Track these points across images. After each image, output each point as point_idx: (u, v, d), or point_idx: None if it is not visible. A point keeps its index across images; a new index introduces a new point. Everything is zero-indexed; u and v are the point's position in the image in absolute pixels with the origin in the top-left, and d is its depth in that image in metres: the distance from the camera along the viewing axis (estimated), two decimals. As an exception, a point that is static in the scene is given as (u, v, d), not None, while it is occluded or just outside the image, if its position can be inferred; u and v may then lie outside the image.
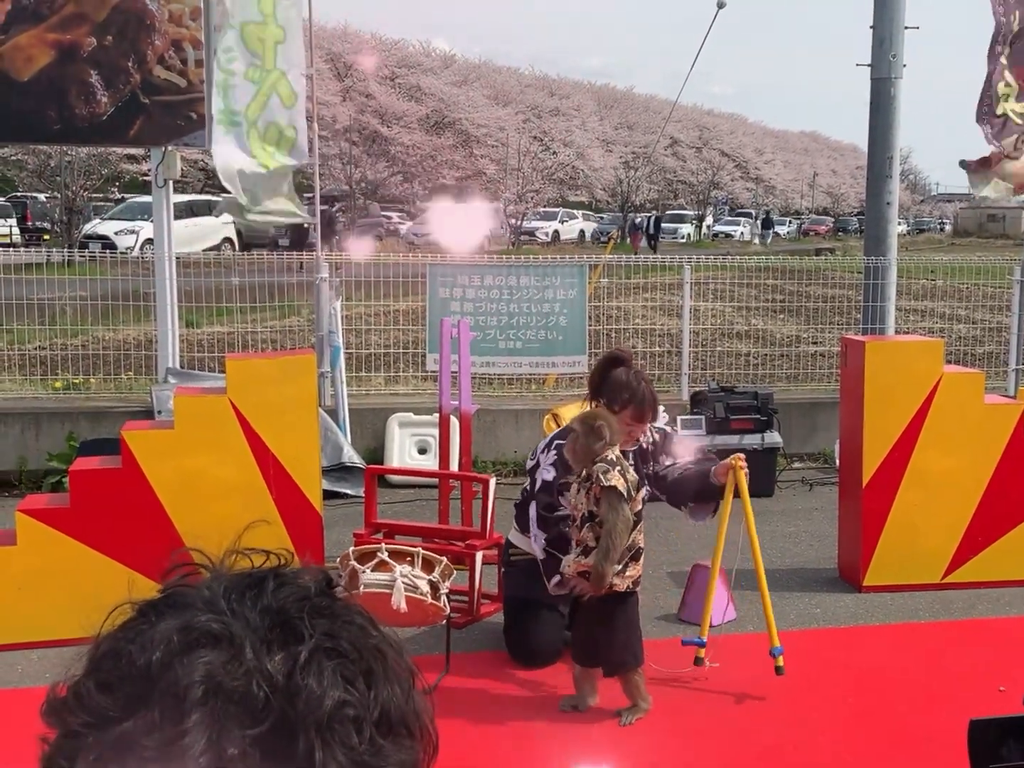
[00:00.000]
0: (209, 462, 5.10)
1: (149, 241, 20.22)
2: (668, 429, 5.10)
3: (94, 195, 25.71)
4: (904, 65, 8.89)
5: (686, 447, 4.98)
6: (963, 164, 8.84)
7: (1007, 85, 8.52)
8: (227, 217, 23.81)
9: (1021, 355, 9.32)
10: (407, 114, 38.72)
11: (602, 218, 50.30)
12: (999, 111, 8.57)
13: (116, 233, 22.79)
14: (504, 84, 46.59)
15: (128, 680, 0.75)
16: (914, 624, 5.33)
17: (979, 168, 8.68)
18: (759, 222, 54.85)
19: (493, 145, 40.96)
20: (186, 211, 22.22)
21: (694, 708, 4.38)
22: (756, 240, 53.79)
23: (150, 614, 0.79)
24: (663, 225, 48.95)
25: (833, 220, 63.02)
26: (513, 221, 40.57)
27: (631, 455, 4.83)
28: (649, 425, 4.82)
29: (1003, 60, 8.48)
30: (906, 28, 8.87)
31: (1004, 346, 9.80)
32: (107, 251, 15.58)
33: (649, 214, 41.38)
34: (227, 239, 24.51)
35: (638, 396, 4.61)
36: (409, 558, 4.60)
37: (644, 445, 4.89)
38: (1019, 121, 8.52)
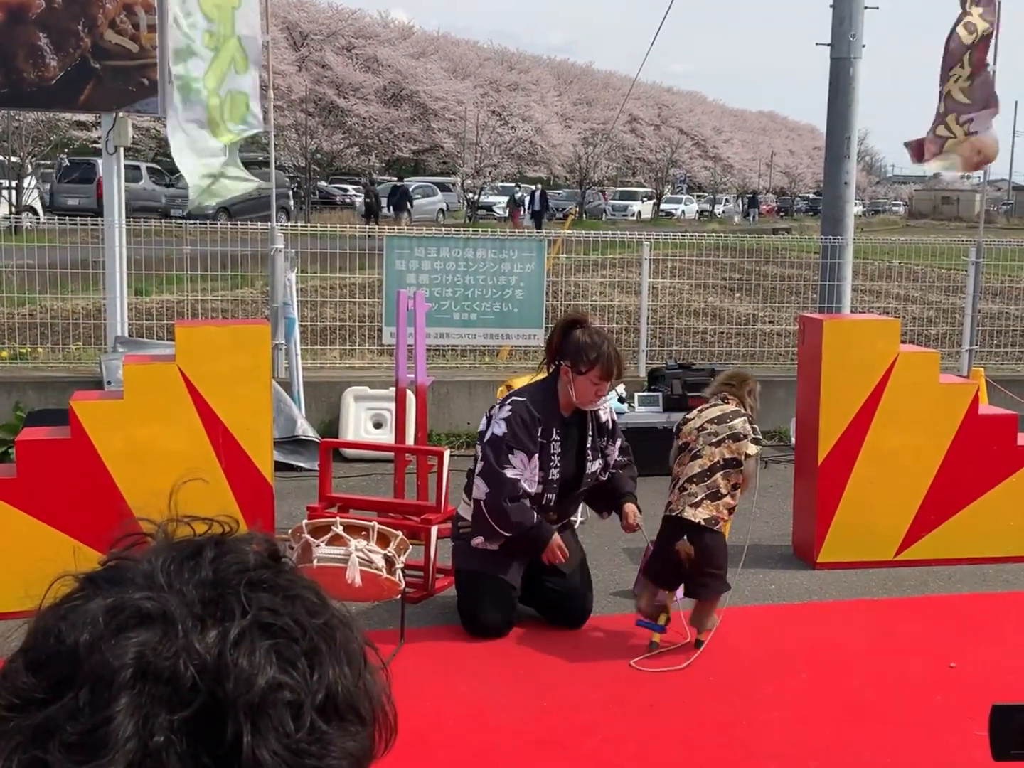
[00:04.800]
0: (158, 432, 5.00)
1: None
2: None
3: (42, 161, 25.17)
4: (863, 45, 8.89)
5: (620, 448, 5.04)
6: (906, 145, 8.88)
7: (961, 67, 8.55)
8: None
9: (974, 336, 9.42)
10: (364, 85, 38.27)
11: (559, 193, 50.20)
12: (944, 90, 8.58)
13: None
14: (463, 57, 46.19)
15: (56, 660, 0.69)
16: (867, 601, 5.37)
17: (918, 150, 8.73)
18: (745, 201, 55.73)
19: (451, 119, 40.64)
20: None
21: (644, 683, 4.37)
22: (737, 218, 54.31)
23: (88, 588, 0.74)
24: (613, 202, 48.83)
25: (775, 200, 63.49)
26: (470, 195, 40.38)
27: (592, 426, 4.82)
28: (610, 397, 4.88)
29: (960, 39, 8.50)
30: (866, 8, 8.87)
31: (957, 327, 9.90)
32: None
33: (533, 187, 38.52)
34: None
35: (604, 354, 4.64)
36: (364, 532, 4.56)
37: (604, 418, 4.92)
38: (964, 100, 8.56)
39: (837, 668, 4.61)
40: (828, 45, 8.91)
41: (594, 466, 4.84)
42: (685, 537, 4.52)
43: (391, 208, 32.65)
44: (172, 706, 0.67)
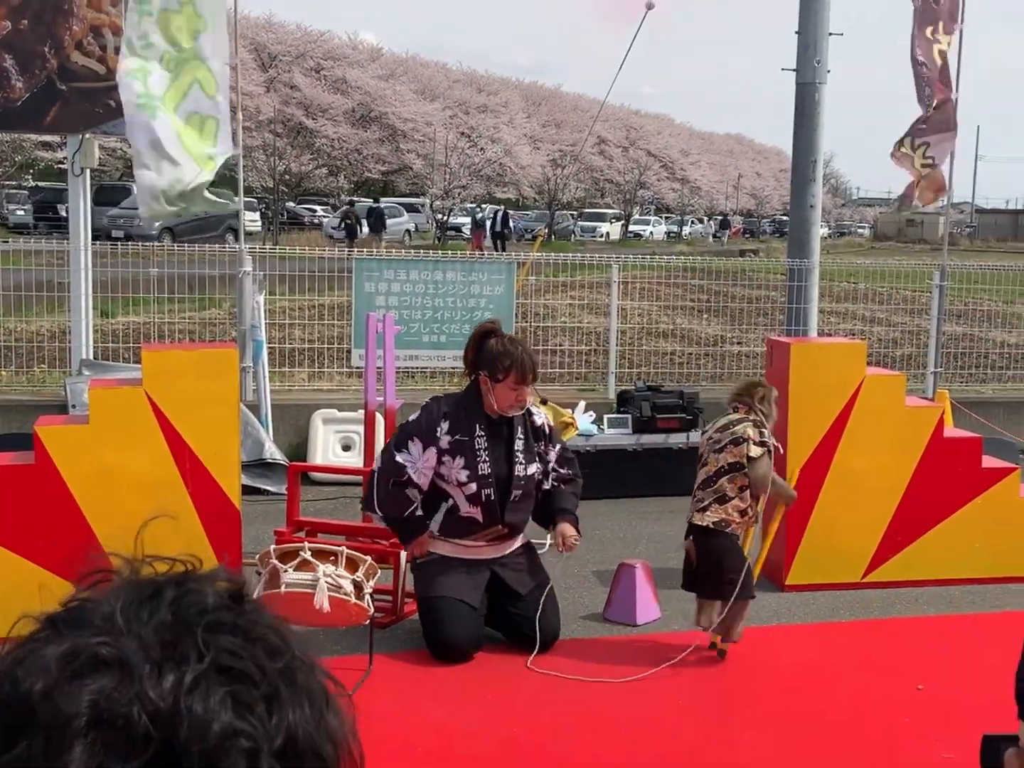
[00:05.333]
0: (124, 457, 4.95)
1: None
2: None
3: (6, 183, 25.00)
4: (828, 71, 9.00)
5: (563, 456, 5.08)
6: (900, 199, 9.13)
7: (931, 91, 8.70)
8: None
9: (939, 358, 9.51)
10: (333, 107, 38.32)
11: (528, 215, 50.37)
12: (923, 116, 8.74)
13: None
14: (432, 79, 46.37)
15: (10, 707, 0.68)
16: (835, 623, 5.38)
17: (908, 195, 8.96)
18: (717, 222, 56.27)
19: (420, 140, 40.73)
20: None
21: (615, 708, 4.36)
22: (711, 239, 54.77)
23: (48, 630, 0.73)
24: (582, 223, 48.96)
25: (742, 221, 64.01)
26: (440, 216, 40.42)
27: (521, 428, 4.85)
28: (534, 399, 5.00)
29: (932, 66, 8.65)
30: (830, 34, 8.99)
31: (922, 349, 10.00)
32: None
33: (497, 208, 38.60)
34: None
35: (518, 360, 4.75)
36: (333, 557, 4.52)
37: (540, 422, 4.98)
38: (920, 124, 8.72)
39: (805, 690, 4.62)
40: (794, 71, 9.01)
41: (530, 468, 4.87)
42: (691, 538, 4.74)
43: (368, 230, 32.67)
44: (126, 754, 0.66)
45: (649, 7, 11.87)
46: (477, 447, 4.76)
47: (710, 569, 4.69)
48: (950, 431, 6.19)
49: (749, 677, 4.71)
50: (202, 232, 20.84)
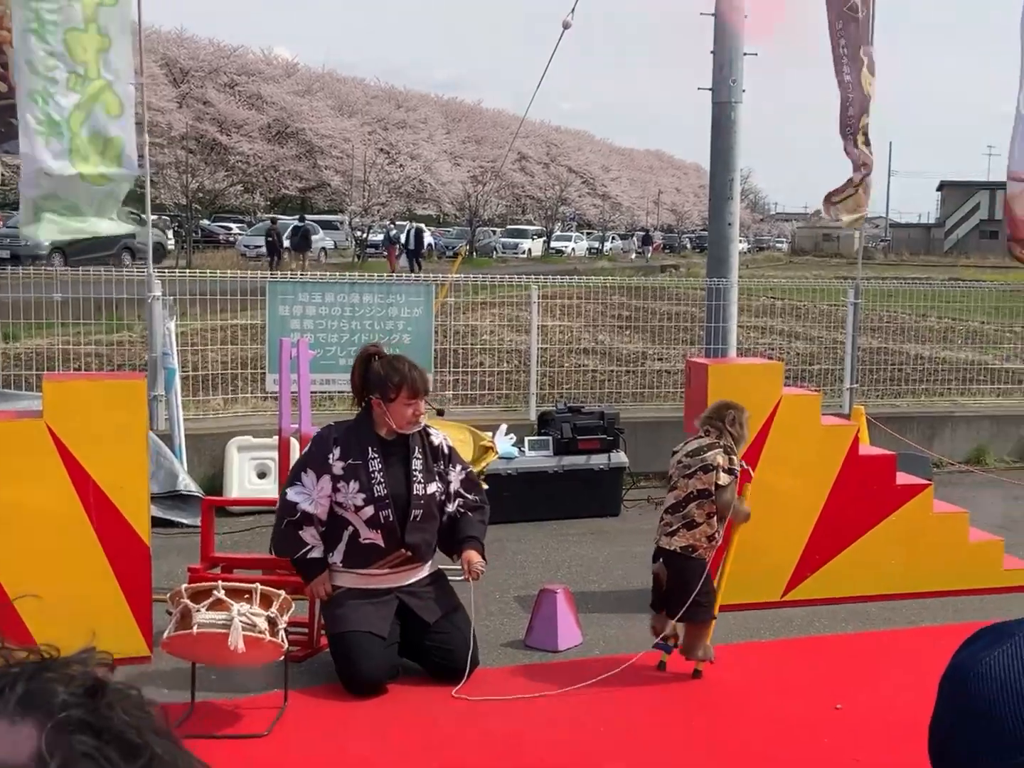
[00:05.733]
0: (25, 493, 4.75)
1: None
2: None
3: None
4: (744, 90, 9.08)
5: (468, 479, 5.04)
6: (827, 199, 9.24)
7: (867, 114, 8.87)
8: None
9: (855, 374, 9.65)
10: (248, 122, 37.87)
11: (449, 231, 50.31)
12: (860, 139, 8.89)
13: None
14: (349, 95, 46.12)
15: None
16: (755, 643, 5.38)
17: (831, 200, 9.06)
18: (639, 238, 56.78)
19: (338, 156, 40.46)
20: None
21: (533, 737, 4.29)
22: (633, 255, 55.20)
23: None
24: (504, 240, 48.95)
25: (662, 237, 64.76)
26: (359, 233, 40.13)
27: (418, 448, 4.82)
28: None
29: (865, 89, 8.81)
30: (745, 54, 9.07)
31: (839, 363, 10.13)
32: None
33: (411, 225, 37.89)
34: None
35: (407, 376, 4.78)
36: (247, 595, 4.39)
37: (437, 442, 4.95)
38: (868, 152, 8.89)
39: (725, 712, 4.61)
40: (710, 90, 9.07)
41: (429, 488, 4.83)
42: (661, 561, 4.81)
43: (292, 248, 32.27)
44: None
45: (566, 26, 11.93)
46: (371, 469, 4.74)
47: (680, 592, 4.74)
48: (865, 449, 6.26)
49: (668, 701, 4.68)
50: (95, 252, 20.33)
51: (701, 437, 4.89)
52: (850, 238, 58.08)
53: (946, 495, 7.09)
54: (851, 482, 5.86)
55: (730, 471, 4.79)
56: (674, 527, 4.79)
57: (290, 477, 4.85)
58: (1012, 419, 9.74)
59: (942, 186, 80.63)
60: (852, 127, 8.91)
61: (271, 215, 37.33)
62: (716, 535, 4.82)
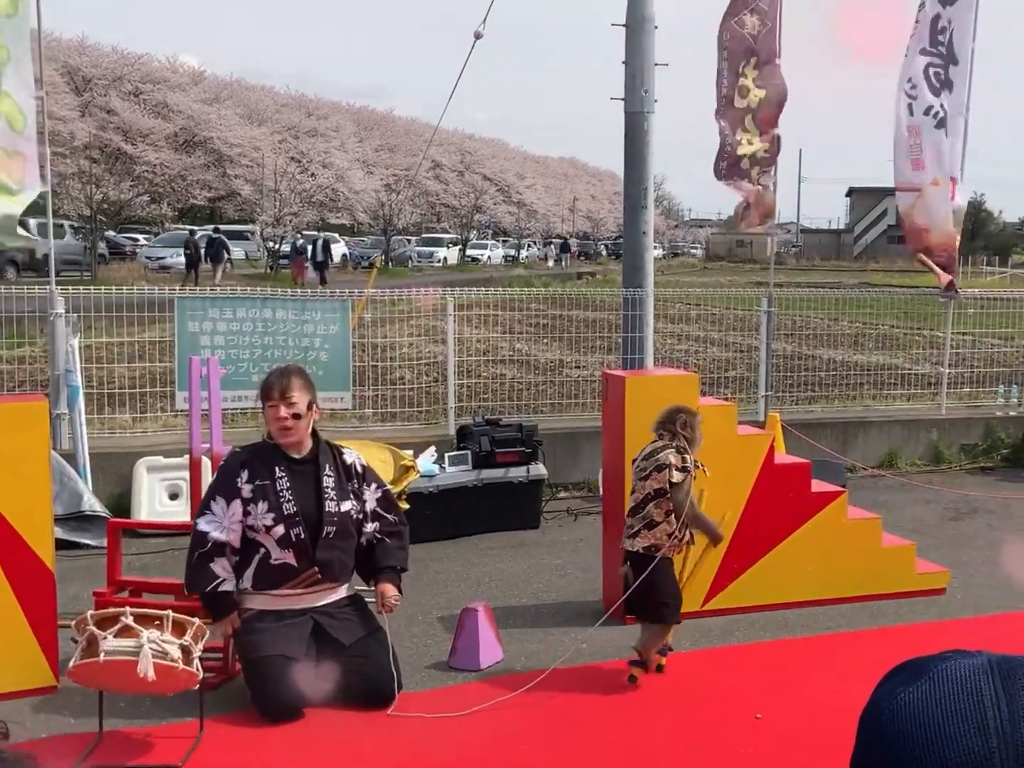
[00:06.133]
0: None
1: None
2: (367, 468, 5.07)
3: None
4: (656, 100, 9.13)
5: (385, 499, 5.00)
6: (736, 211, 9.33)
7: (745, 130, 8.95)
8: None
9: (769, 381, 9.76)
10: (154, 131, 37.13)
11: (363, 241, 49.91)
12: (740, 152, 8.99)
13: None
14: (258, 103, 45.56)
15: None
16: (675, 654, 5.37)
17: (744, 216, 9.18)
18: (558, 246, 57.00)
19: (248, 165, 39.90)
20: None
21: (454, 758, 4.23)
22: (551, 262, 55.31)
23: None
24: (419, 249, 48.68)
25: (577, 244, 65.18)
26: (271, 244, 39.58)
27: (329, 466, 4.79)
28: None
29: (739, 104, 8.91)
30: (656, 65, 9.13)
31: (754, 370, 10.24)
32: None
33: (316, 236, 37.10)
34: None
35: (266, 380, 4.84)
36: (158, 621, 4.25)
37: (350, 460, 4.91)
38: (763, 153, 8.97)
39: (646, 723, 4.60)
40: (622, 100, 9.11)
41: (343, 505, 4.77)
42: (629, 564, 4.93)
43: (208, 260, 31.66)
44: None
45: (478, 36, 11.91)
46: (279, 488, 4.67)
47: (645, 593, 4.87)
48: (781, 457, 6.31)
49: (588, 714, 4.65)
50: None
51: (656, 441, 5.01)
52: (763, 244, 59.16)
53: (859, 499, 7.20)
54: (767, 491, 5.90)
55: (683, 469, 4.90)
56: (635, 528, 4.93)
57: (200, 507, 4.77)
58: (922, 423, 9.95)
59: (851, 192, 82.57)
60: (729, 169, 9.06)
61: (189, 228, 36.60)
62: (678, 532, 4.92)
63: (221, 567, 4.63)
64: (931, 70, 8.95)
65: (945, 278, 9.13)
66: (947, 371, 10.39)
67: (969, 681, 0.88)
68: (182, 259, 32.32)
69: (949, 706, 0.87)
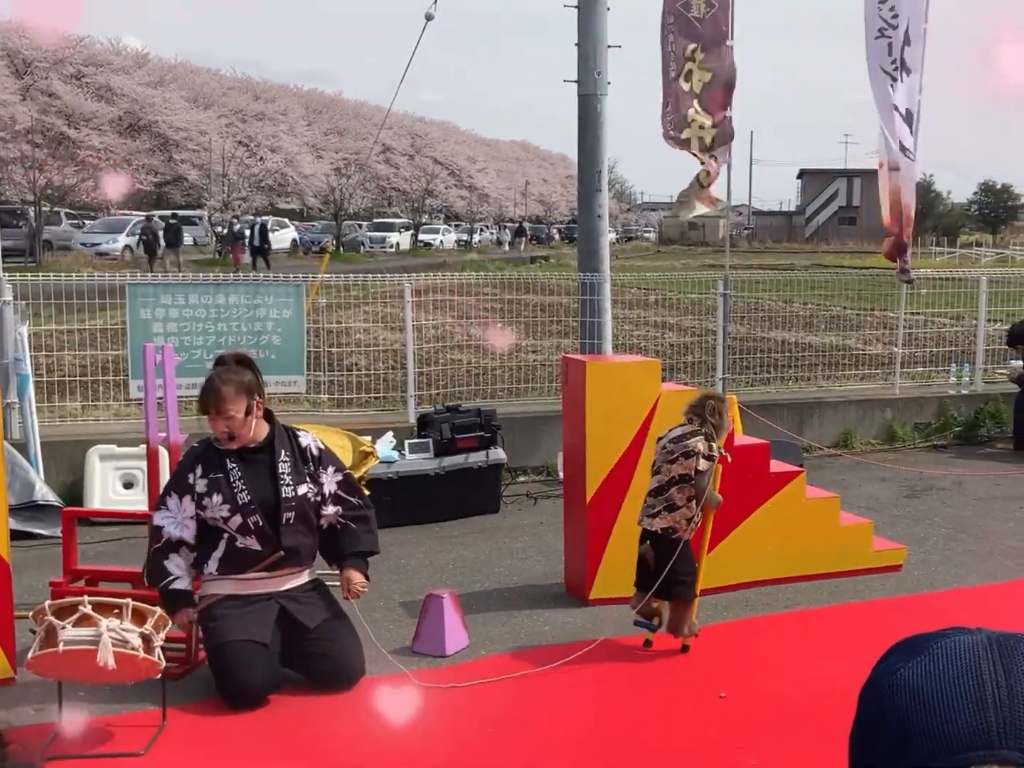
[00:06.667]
0: None
1: None
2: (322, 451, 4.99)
3: None
4: (609, 82, 9.10)
5: (345, 481, 4.96)
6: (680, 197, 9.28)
7: (697, 112, 8.93)
8: None
9: (726, 363, 9.82)
10: (97, 115, 36.45)
11: (314, 225, 49.47)
12: (684, 135, 8.97)
13: None
14: (204, 86, 44.88)
15: None
16: (638, 636, 5.39)
17: (686, 198, 9.14)
18: (513, 230, 56.96)
19: (194, 149, 39.35)
20: None
21: (425, 741, 4.22)
22: (507, 247, 55.18)
23: None
24: (371, 234, 48.30)
25: (530, 229, 65.15)
26: (219, 229, 39.10)
27: (285, 452, 4.77)
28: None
29: (684, 87, 8.90)
30: (609, 47, 9.09)
31: (711, 354, 10.29)
32: None
33: (254, 220, 36.52)
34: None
35: (200, 395, 4.80)
36: (117, 610, 4.19)
37: (305, 443, 4.89)
38: (709, 141, 8.98)
39: (609, 705, 4.62)
40: (575, 82, 9.07)
41: (300, 489, 4.76)
42: (649, 543, 5.09)
43: (166, 244, 31.28)
44: None
45: (429, 18, 11.82)
46: (232, 479, 4.69)
47: (661, 570, 5.00)
48: (740, 439, 6.34)
49: (552, 695, 4.66)
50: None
51: (685, 424, 5.13)
52: (715, 227, 59.49)
53: (817, 479, 7.28)
54: (727, 472, 5.91)
55: (709, 457, 5.04)
56: (656, 509, 5.07)
57: (157, 501, 4.80)
58: (876, 403, 10.07)
59: (802, 174, 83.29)
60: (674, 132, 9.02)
61: (147, 214, 36.06)
62: (696, 517, 5.11)
63: (175, 564, 4.63)
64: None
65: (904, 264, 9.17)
66: (900, 351, 10.52)
67: (968, 657, 0.89)
68: (118, 245, 31.87)
69: (949, 682, 0.88)
